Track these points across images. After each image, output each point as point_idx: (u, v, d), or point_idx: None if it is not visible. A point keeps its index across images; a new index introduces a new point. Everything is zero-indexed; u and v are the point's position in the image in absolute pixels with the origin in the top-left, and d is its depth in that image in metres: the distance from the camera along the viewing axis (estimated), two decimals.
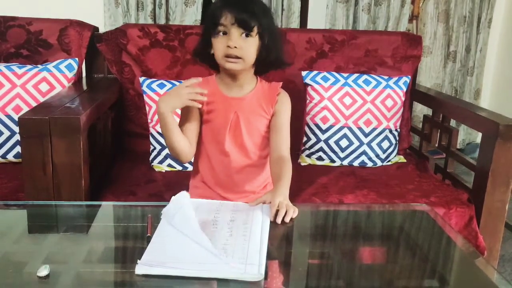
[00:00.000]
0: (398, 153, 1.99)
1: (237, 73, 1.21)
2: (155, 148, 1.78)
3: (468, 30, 3.27)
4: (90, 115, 1.42)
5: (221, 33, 1.15)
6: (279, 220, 1.01)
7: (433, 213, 1.13)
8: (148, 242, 0.89)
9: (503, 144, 1.52)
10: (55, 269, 0.81)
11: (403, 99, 1.93)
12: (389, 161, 1.93)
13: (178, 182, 1.59)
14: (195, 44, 1.28)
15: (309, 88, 1.89)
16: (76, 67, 1.84)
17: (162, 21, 2.82)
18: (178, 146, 1.19)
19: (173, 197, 1.02)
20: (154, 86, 1.80)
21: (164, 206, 1.01)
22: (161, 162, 1.75)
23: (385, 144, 1.89)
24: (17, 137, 1.66)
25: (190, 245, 0.88)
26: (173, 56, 1.90)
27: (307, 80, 1.90)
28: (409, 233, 1.09)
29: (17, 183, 1.50)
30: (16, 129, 1.64)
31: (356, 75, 1.92)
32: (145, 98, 1.80)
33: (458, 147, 3.09)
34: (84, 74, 1.98)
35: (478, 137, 3.46)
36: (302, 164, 1.87)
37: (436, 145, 2.02)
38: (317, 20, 2.99)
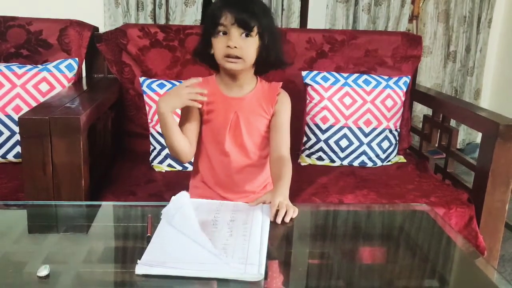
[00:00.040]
0: (398, 153, 1.99)
1: (237, 73, 1.21)
2: (155, 148, 1.78)
3: (468, 30, 3.27)
4: (90, 115, 1.42)
5: (221, 33, 1.15)
6: (279, 220, 1.01)
7: (433, 213, 1.13)
8: (148, 242, 0.89)
9: (503, 144, 1.52)
10: (55, 269, 0.81)
11: (403, 99, 1.93)
12: (389, 161, 1.93)
13: (178, 182, 1.59)
14: (195, 44, 1.28)
15: (309, 88, 1.89)
16: (76, 67, 1.84)
17: (162, 21, 2.82)
18: (178, 146, 1.19)
19: (173, 197, 1.02)
20: (154, 86, 1.80)
21: (164, 206, 1.01)
22: (161, 162, 1.75)
23: (385, 144, 1.89)
24: (17, 137, 1.66)
25: (190, 245, 0.88)
26: (173, 56, 1.90)
27: (307, 80, 1.90)
28: (409, 233, 1.09)
29: (17, 183, 1.50)
30: (16, 129, 1.64)
31: (356, 75, 1.92)
32: (145, 98, 1.80)
33: (458, 147, 3.09)
34: (84, 74, 1.98)
35: (478, 137, 3.46)
36: (302, 164, 1.87)
37: (436, 145, 2.02)
38: (317, 20, 2.99)
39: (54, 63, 1.80)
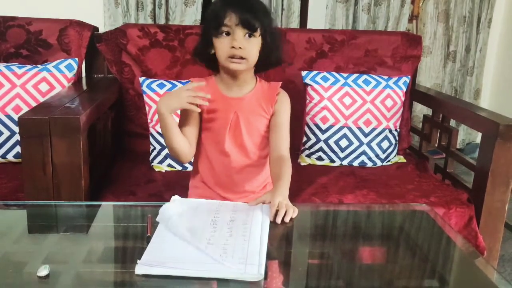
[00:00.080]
0: (398, 153, 1.99)
1: (239, 73, 1.21)
2: (155, 148, 1.78)
3: (468, 30, 3.27)
4: (90, 115, 1.42)
5: (224, 34, 1.15)
6: (278, 220, 1.01)
7: (433, 213, 1.13)
8: (148, 242, 0.89)
9: (503, 144, 1.52)
10: (55, 269, 0.81)
11: (403, 99, 1.93)
12: (389, 161, 1.93)
13: (178, 182, 1.59)
14: (195, 44, 1.28)
15: (309, 88, 1.89)
16: (76, 67, 1.84)
17: (162, 21, 2.82)
18: (177, 146, 1.19)
19: (160, 209, 1.01)
20: (154, 86, 1.80)
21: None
22: (161, 162, 1.75)
23: (385, 144, 1.89)
24: (17, 137, 1.66)
25: (190, 245, 0.88)
26: (173, 56, 1.90)
27: (307, 80, 1.90)
28: (409, 233, 1.09)
29: (17, 183, 1.50)
30: (16, 129, 1.64)
31: (356, 75, 1.92)
32: (145, 98, 1.80)
33: (458, 147, 3.09)
34: (84, 74, 1.98)
35: (478, 137, 3.46)
36: (302, 164, 1.87)
37: (436, 145, 2.02)
38: (317, 20, 2.99)
39: (54, 63, 1.80)
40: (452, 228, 1.11)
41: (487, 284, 0.87)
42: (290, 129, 1.28)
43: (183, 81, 1.84)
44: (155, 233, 0.93)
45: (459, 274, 0.93)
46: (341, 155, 1.86)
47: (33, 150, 1.30)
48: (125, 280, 0.83)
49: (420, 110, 3.12)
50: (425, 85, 2.97)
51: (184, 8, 2.83)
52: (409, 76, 1.99)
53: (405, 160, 1.97)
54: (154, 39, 1.89)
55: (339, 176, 1.75)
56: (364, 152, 1.86)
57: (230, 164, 1.27)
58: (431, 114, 2.06)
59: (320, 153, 1.87)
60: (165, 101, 1.14)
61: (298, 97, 1.84)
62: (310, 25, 3.01)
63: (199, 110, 1.17)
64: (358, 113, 1.85)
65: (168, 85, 1.80)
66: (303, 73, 1.92)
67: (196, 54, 1.27)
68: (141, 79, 1.84)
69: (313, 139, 1.87)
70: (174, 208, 1.01)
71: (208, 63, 1.26)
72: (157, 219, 0.98)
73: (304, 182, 1.65)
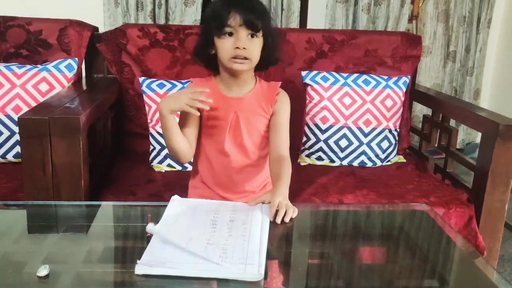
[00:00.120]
0: (397, 153, 1.99)
1: (240, 73, 1.21)
2: (154, 148, 1.78)
3: (468, 30, 3.28)
4: (90, 115, 1.42)
5: (227, 34, 1.15)
6: (278, 220, 1.01)
7: (432, 213, 1.13)
8: (148, 242, 0.89)
9: (502, 144, 1.52)
10: (55, 269, 0.80)
11: (402, 99, 1.93)
12: (388, 161, 1.93)
13: (177, 182, 1.59)
14: (195, 44, 1.28)
15: (308, 88, 1.89)
16: (75, 67, 1.84)
17: (161, 21, 2.82)
18: (177, 146, 1.18)
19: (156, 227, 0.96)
20: (153, 86, 1.80)
21: (164, 206, 1.01)
22: (160, 162, 1.75)
23: (385, 144, 1.89)
24: (16, 137, 1.66)
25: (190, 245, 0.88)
26: (172, 56, 1.90)
27: (307, 80, 1.90)
28: (408, 233, 1.09)
29: (16, 183, 1.50)
30: (16, 129, 1.64)
31: (355, 75, 1.93)
32: (145, 98, 1.80)
33: (457, 147, 3.09)
34: (83, 74, 1.98)
35: (477, 137, 3.47)
36: (302, 164, 1.87)
37: (436, 145, 2.02)
38: (316, 20, 2.99)
39: (54, 63, 1.80)
40: (452, 228, 1.11)
41: (487, 284, 0.87)
42: (290, 129, 1.28)
43: (183, 81, 1.84)
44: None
45: (459, 274, 0.93)
46: (341, 155, 1.86)
47: (33, 150, 1.30)
48: (125, 280, 0.83)
49: (420, 110, 3.12)
50: (425, 85, 2.97)
51: (184, 8, 2.83)
52: (409, 76, 1.99)
53: (405, 160, 1.97)
54: (154, 39, 1.89)
55: (339, 176, 1.75)
56: (364, 152, 1.86)
57: (230, 164, 1.27)
58: (431, 114, 2.06)
59: (320, 153, 1.87)
60: (166, 102, 1.14)
61: (298, 97, 1.84)
62: (310, 25, 3.01)
63: (198, 114, 1.15)
64: (358, 113, 1.85)
65: (168, 85, 1.80)
66: (303, 73, 1.92)
67: (196, 54, 1.27)
68: (141, 79, 1.84)
69: (313, 139, 1.87)
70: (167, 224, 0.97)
71: (208, 63, 1.26)
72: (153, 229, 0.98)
73: (304, 182, 1.65)
